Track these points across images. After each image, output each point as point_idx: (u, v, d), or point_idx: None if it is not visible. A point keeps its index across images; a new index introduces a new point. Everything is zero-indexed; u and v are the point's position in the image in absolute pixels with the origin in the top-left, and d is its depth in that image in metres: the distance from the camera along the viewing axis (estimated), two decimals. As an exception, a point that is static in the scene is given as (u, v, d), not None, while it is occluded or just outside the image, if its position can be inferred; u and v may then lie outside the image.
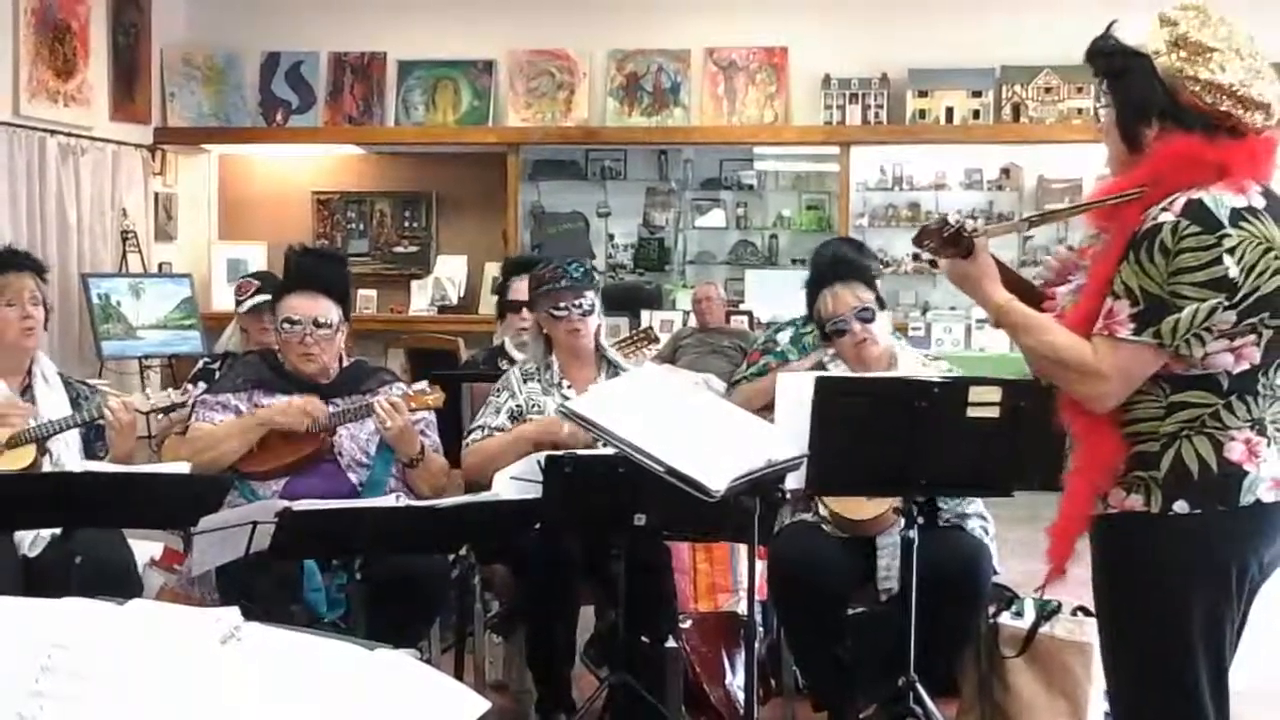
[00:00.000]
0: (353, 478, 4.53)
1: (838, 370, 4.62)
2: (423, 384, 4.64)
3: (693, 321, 10.11)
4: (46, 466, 4.36)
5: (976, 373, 4.18)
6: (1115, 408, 2.78)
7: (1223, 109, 2.75)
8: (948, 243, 2.92)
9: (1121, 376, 2.74)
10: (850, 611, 4.46)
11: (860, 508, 4.35)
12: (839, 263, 4.77)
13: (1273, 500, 2.78)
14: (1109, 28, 2.91)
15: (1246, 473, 2.76)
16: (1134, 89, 2.82)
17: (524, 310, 5.49)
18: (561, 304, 4.70)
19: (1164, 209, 2.71)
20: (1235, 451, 2.76)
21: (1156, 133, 2.80)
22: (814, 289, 4.71)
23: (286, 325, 4.58)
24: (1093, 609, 3.04)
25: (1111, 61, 2.87)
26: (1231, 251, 2.68)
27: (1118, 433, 2.79)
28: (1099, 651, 3.03)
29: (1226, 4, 2.89)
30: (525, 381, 4.74)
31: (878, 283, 4.78)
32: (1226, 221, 2.69)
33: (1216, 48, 2.76)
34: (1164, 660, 2.81)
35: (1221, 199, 2.71)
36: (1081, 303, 2.82)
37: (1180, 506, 2.75)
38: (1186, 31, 2.78)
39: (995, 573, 4.47)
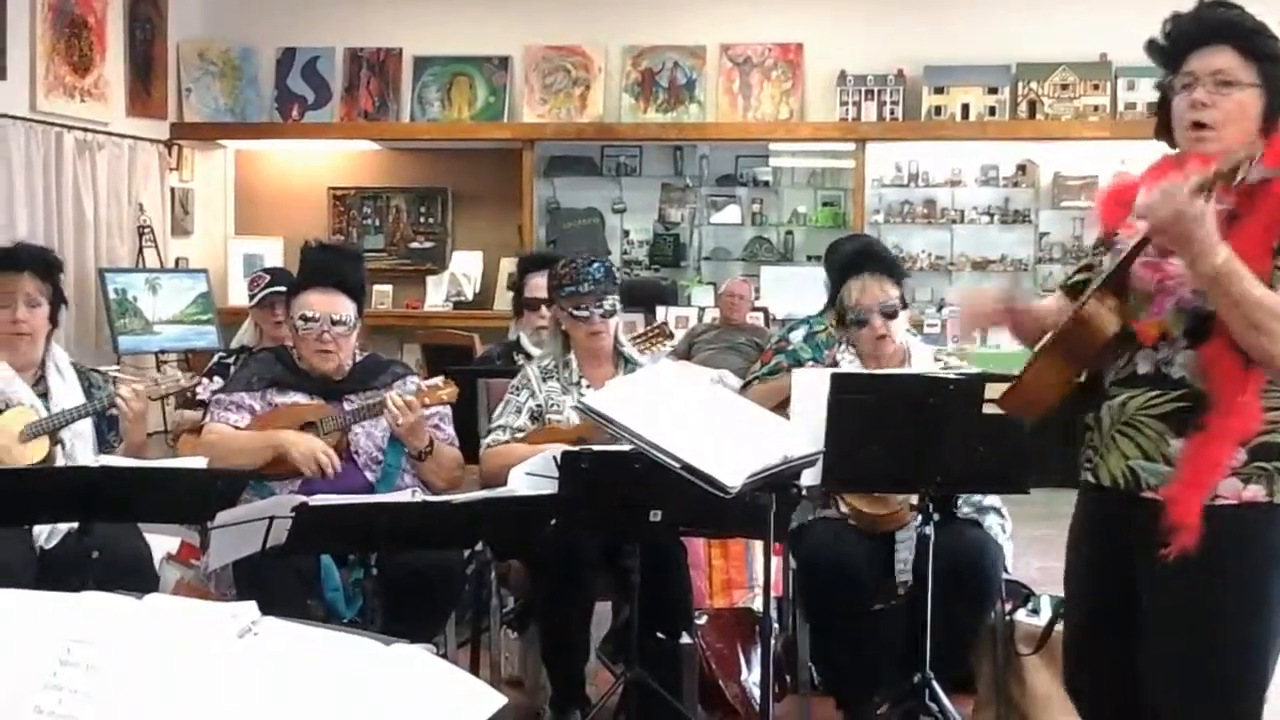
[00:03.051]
0: (369, 475, 4.53)
1: (851, 366, 4.62)
2: (436, 380, 4.65)
3: (713, 315, 10.11)
4: (60, 458, 4.37)
5: (992, 369, 4.16)
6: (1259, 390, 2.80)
7: None
8: (1233, 178, 2.74)
9: None
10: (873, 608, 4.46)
11: (878, 503, 4.35)
12: (871, 255, 4.76)
13: None
14: (1221, 4, 2.94)
15: None
16: None
17: (542, 308, 5.49)
18: (583, 305, 4.69)
19: None
20: None
21: None
22: (841, 276, 4.69)
23: (303, 321, 4.58)
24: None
25: (1273, 44, 2.89)
26: None
27: (1261, 406, 2.81)
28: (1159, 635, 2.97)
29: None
30: (544, 380, 4.73)
31: (904, 281, 4.76)
32: None
33: None
34: (1263, 638, 2.89)
35: None
36: None
37: None
38: None
39: (1006, 571, 4.45)
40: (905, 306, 4.69)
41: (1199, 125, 2.88)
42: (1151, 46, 3.02)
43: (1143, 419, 2.91)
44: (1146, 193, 2.87)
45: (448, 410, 4.73)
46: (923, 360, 4.68)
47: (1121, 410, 2.94)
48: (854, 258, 4.76)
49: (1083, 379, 3.04)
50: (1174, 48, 2.96)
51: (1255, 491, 2.82)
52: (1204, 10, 2.94)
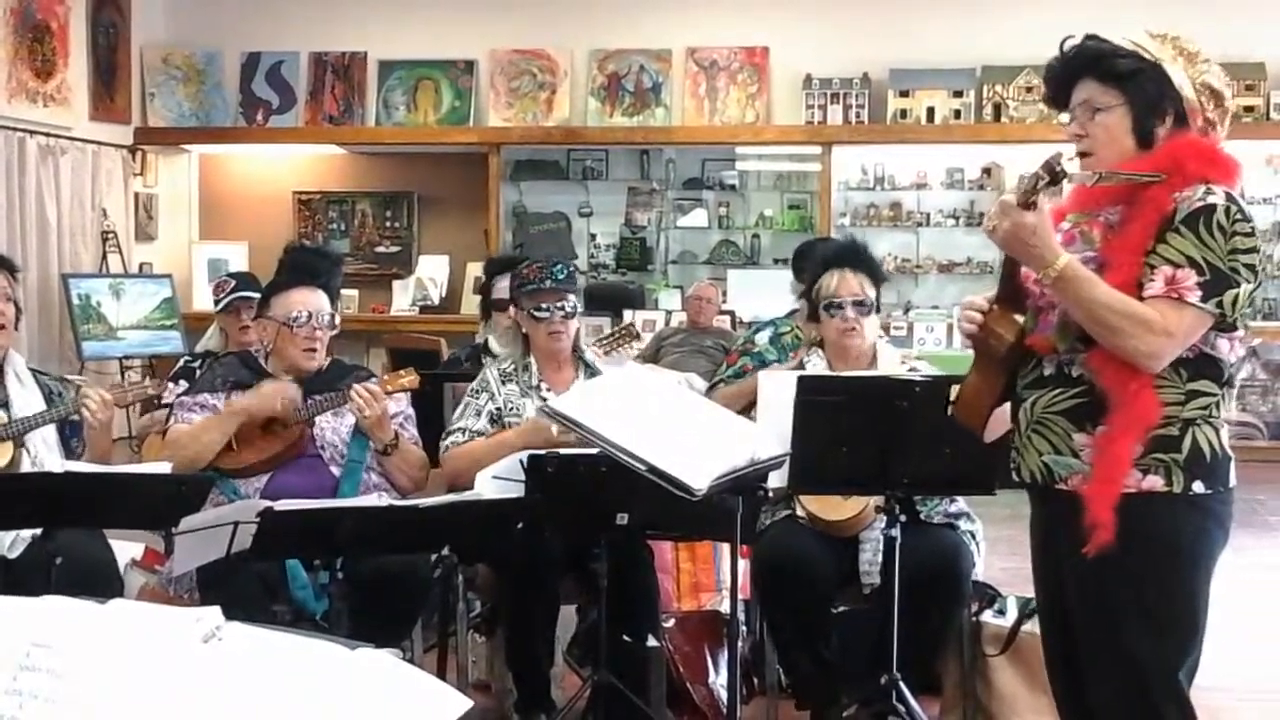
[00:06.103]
0: (335, 471, 4.52)
1: (818, 369, 4.62)
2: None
3: (680, 318, 10.12)
4: (26, 464, 4.34)
5: (958, 372, 4.17)
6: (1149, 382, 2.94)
7: (1210, 113, 3.05)
8: (1053, 181, 2.93)
9: (1183, 337, 2.93)
10: (834, 610, 4.47)
11: (837, 509, 4.35)
12: (856, 252, 4.78)
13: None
14: (1087, 37, 3.12)
15: (1230, 458, 3.03)
16: (1150, 89, 3.03)
17: (510, 310, 5.49)
18: (544, 305, 4.69)
19: (1207, 193, 2.93)
20: (1225, 438, 3.02)
21: (1169, 132, 3.03)
22: (823, 266, 4.70)
23: (294, 319, 4.56)
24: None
25: (1123, 63, 3.05)
26: (1257, 244, 2.97)
27: (1158, 397, 2.94)
28: (1084, 627, 3.10)
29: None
30: (504, 383, 4.72)
31: (882, 286, 4.79)
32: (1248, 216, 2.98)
33: (1207, 58, 3.07)
34: (1182, 629, 3.03)
35: (1235, 196, 2.97)
36: (1113, 272, 2.95)
37: (1198, 487, 2.98)
38: (1185, 44, 3.07)
39: (973, 564, 4.46)
40: (877, 310, 4.71)
41: (1081, 154, 3.10)
42: (1045, 99, 3.27)
43: (1049, 416, 3.07)
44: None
45: (412, 413, 4.73)
46: (890, 363, 4.69)
47: (1031, 410, 3.11)
48: (840, 252, 4.78)
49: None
50: (1055, 92, 3.18)
51: (1154, 481, 2.96)
52: (1065, 51, 3.14)
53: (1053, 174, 2.91)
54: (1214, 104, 3.06)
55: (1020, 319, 3.11)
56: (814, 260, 4.89)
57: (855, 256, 4.74)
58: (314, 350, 4.60)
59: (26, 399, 4.47)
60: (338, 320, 4.67)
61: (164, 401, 5.19)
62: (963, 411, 3.29)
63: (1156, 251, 2.93)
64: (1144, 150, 3.03)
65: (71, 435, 4.52)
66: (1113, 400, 2.95)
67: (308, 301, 4.59)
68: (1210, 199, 2.93)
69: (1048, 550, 3.21)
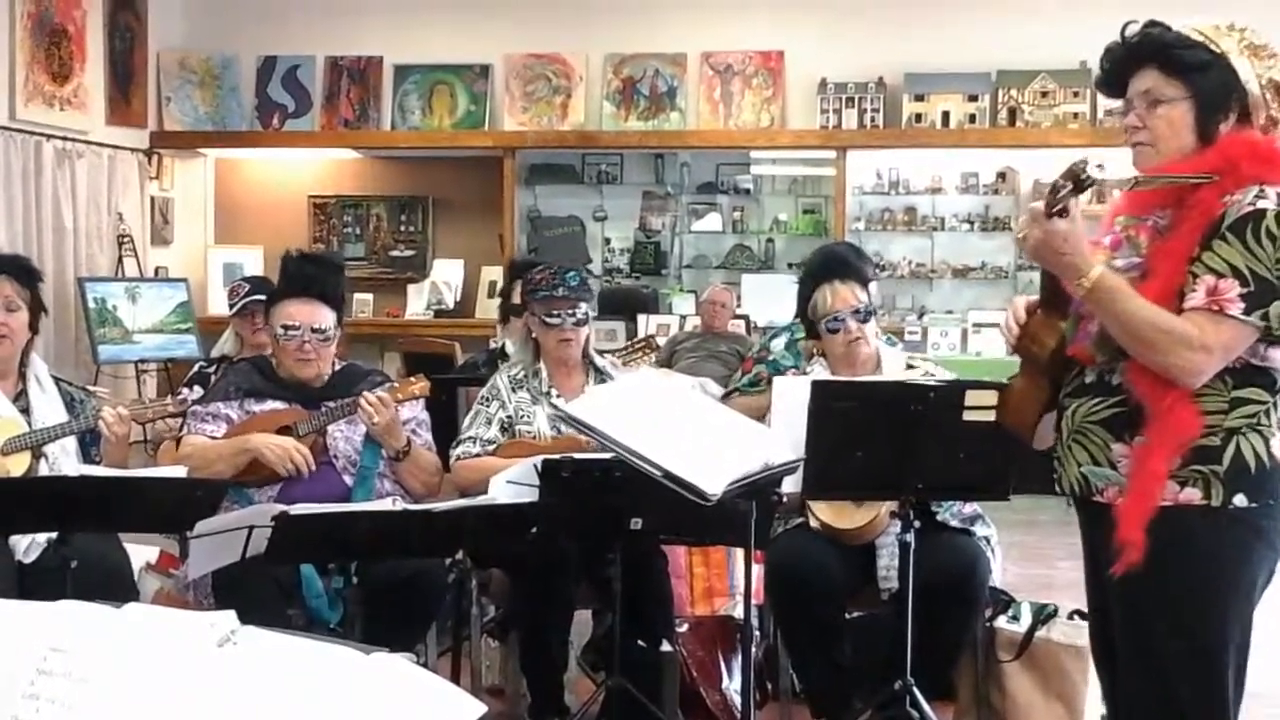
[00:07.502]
0: (348, 480, 4.52)
1: (826, 374, 4.62)
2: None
3: (695, 323, 10.12)
4: (43, 471, 4.35)
5: (972, 376, 4.17)
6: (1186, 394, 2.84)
7: (1274, 111, 2.93)
8: (1078, 189, 2.82)
9: (1223, 352, 2.81)
10: (848, 615, 4.46)
11: (849, 517, 4.34)
12: (838, 261, 4.76)
13: None
14: (1150, 23, 3.00)
15: None
16: (1216, 84, 2.92)
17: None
18: (555, 312, 4.69)
19: (1259, 196, 2.81)
20: (1276, 448, 2.89)
21: (1231, 128, 2.92)
22: (810, 285, 4.69)
23: (283, 331, 4.58)
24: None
25: (1189, 55, 2.93)
26: None
27: (1196, 409, 2.84)
28: (1120, 640, 3.03)
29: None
30: (514, 390, 4.72)
31: (871, 286, 4.75)
32: None
33: (1274, 52, 2.94)
34: (1216, 645, 2.91)
35: None
36: (1154, 280, 2.86)
37: (1240, 500, 2.87)
38: (1252, 37, 2.94)
39: (990, 571, 4.46)
40: (874, 313, 4.70)
41: (1138, 145, 3.00)
42: (1099, 82, 3.16)
43: (1089, 426, 3.00)
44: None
45: (426, 417, 4.73)
46: (894, 365, 4.69)
47: (1072, 419, 3.04)
48: (822, 265, 4.76)
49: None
50: (1112, 78, 3.08)
51: (1191, 494, 2.87)
52: (1129, 36, 3.03)
53: (1077, 181, 2.80)
54: (1278, 101, 2.94)
55: (1063, 325, 3.05)
56: (804, 277, 4.85)
57: (841, 266, 4.70)
58: (307, 361, 4.59)
59: (48, 406, 4.49)
60: (333, 330, 4.63)
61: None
62: (1010, 417, 3.25)
63: (1201, 259, 2.82)
64: (1204, 145, 2.92)
65: (91, 444, 4.53)
66: (1149, 412, 2.86)
67: (299, 313, 4.59)
68: (1261, 203, 2.80)
69: (1092, 558, 3.14)
